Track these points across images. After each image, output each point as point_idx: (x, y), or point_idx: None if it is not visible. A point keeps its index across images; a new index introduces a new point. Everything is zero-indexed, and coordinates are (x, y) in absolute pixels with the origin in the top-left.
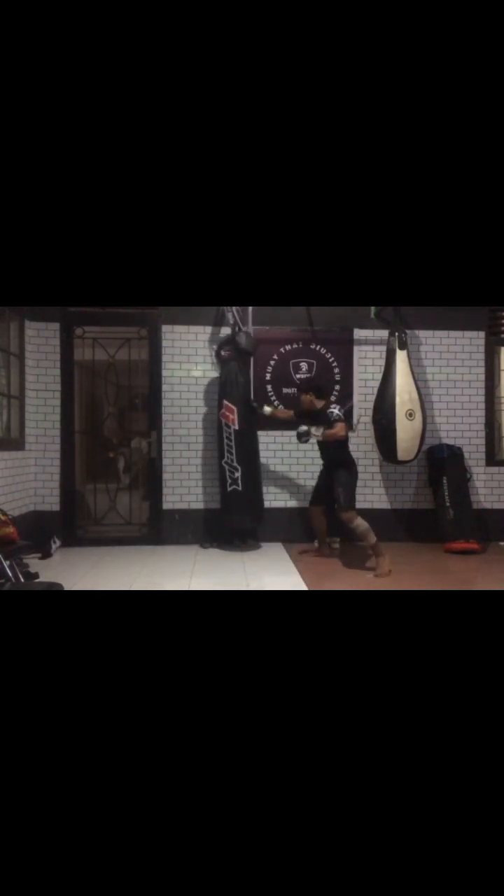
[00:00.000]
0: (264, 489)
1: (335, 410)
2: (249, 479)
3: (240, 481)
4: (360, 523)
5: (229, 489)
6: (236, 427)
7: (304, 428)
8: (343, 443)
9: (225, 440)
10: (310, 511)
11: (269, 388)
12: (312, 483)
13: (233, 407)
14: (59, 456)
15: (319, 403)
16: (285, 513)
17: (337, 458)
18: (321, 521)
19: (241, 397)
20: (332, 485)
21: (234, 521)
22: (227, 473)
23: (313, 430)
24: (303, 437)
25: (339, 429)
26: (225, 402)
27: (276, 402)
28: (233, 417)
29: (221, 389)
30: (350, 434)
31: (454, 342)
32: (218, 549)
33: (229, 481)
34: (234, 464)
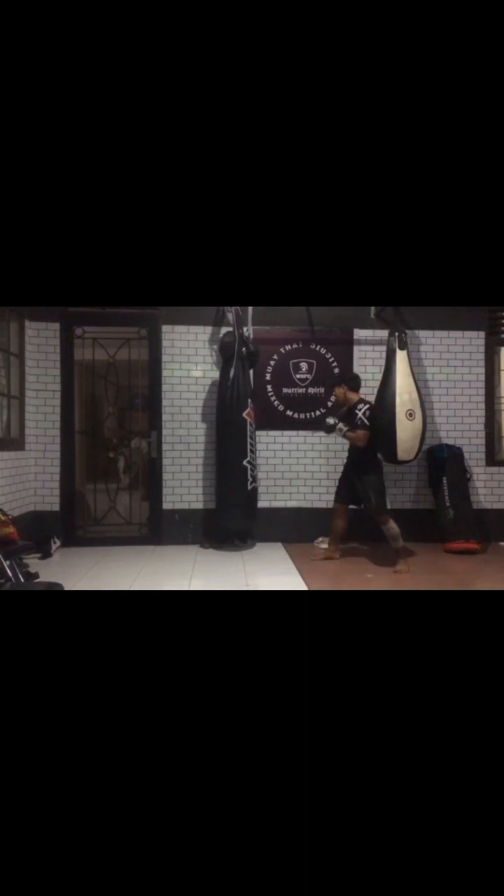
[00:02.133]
0: (264, 489)
1: (361, 415)
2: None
3: (258, 480)
4: (393, 526)
5: (250, 488)
6: (254, 427)
7: (331, 421)
8: (375, 443)
9: (248, 440)
10: (335, 508)
11: (269, 388)
12: (312, 483)
13: (256, 407)
14: (59, 456)
15: (354, 396)
16: (285, 513)
17: (366, 459)
18: (342, 521)
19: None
20: (362, 488)
21: (249, 521)
22: (249, 472)
23: (341, 424)
24: (330, 430)
25: (360, 435)
26: (251, 401)
27: (276, 403)
28: (253, 416)
29: (244, 388)
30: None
31: (454, 342)
32: (218, 550)
33: (250, 480)
34: (256, 463)
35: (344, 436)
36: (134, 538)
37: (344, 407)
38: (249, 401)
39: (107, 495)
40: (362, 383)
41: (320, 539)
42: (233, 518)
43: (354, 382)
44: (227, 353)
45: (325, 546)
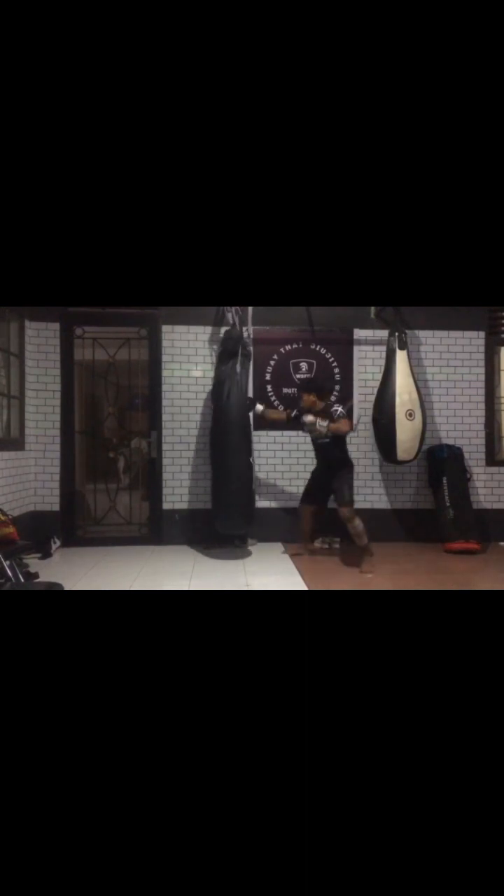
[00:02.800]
0: (264, 489)
1: (339, 408)
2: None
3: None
4: (359, 523)
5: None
6: (253, 428)
7: (310, 418)
8: (343, 441)
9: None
10: (301, 510)
11: (269, 388)
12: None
13: (260, 406)
14: (59, 456)
15: (320, 404)
16: (285, 513)
17: (337, 457)
18: (310, 521)
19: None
20: (332, 482)
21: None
22: (254, 471)
23: (319, 421)
24: (307, 427)
25: (343, 423)
26: (257, 402)
27: (275, 403)
28: (253, 417)
29: (245, 387)
30: (350, 434)
31: (454, 342)
32: (218, 550)
33: (244, 481)
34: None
35: (327, 429)
36: (134, 538)
37: (312, 411)
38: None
39: (107, 495)
40: (360, 384)
41: (320, 539)
42: (230, 521)
43: (322, 391)
44: (230, 349)
45: (325, 546)
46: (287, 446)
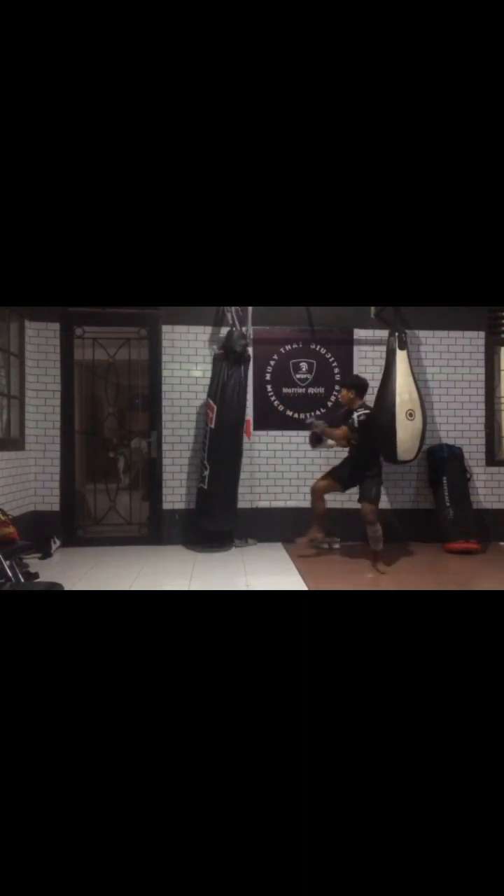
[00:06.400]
0: (264, 489)
1: (356, 417)
2: (218, 481)
3: (206, 480)
4: (379, 528)
5: (198, 487)
6: (212, 427)
7: (311, 419)
8: (376, 447)
9: (203, 438)
10: (316, 486)
11: (269, 388)
12: (312, 483)
13: (214, 406)
14: (59, 456)
15: (358, 401)
16: (285, 513)
17: (370, 459)
18: (323, 500)
19: (226, 397)
20: (367, 483)
21: (205, 522)
22: (200, 471)
23: (320, 421)
24: (311, 428)
25: (338, 432)
26: (209, 400)
27: (275, 403)
28: (211, 416)
29: (209, 388)
30: (335, 445)
31: (454, 342)
32: (218, 550)
33: (199, 479)
34: (205, 462)
35: (322, 431)
36: (134, 538)
37: (343, 409)
38: (209, 400)
39: (107, 495)
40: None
41: (320, 538)
42: (217, 519)
43: (361, 389)
44: (238, 350)
45: (325, 546)
46: (287, 446)
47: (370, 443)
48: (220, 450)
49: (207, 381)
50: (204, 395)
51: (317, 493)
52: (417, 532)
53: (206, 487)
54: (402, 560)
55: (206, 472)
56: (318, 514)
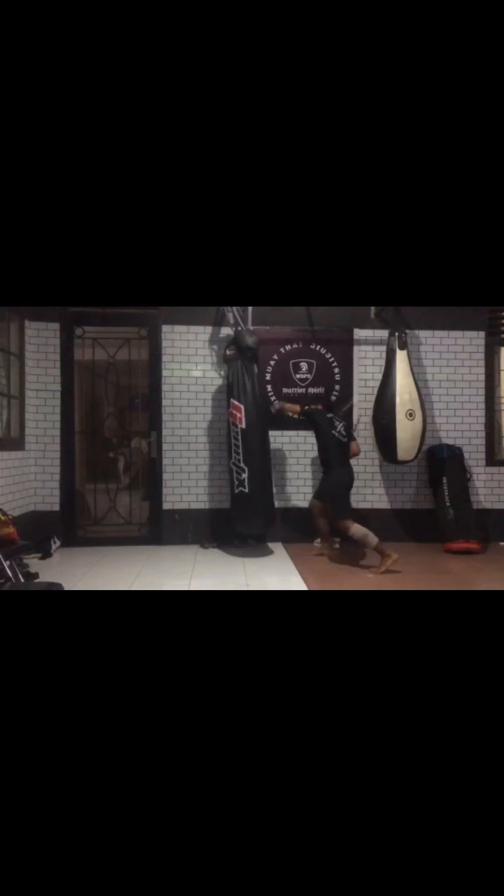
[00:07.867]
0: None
1: (307, 407)
2: (256, 481)
3: (246, 483)
4: (357, 530)
5: (236, 491)
6: (243, 426)
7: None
8: (331, 447)
9: (232, 440)
10: (312, 505)
11: (269, 387)
12: (313, 483)
13: (240, 406)
14: (59, 456)
15: (296, 407)
16: (285, 513)
17: (328, 464)
18: (319, 518)
19: (248, 396)
20: (326, 491)
21: (242, 525)
22: (235, 475)
23: (276, 403)
24: (274, 410)
25: (290, 406)
26: (232, 401)
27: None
28: (240, 416)
29: (229, 390)
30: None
31: (454, 342)
32: (218, 550)
33: (236, 483)
34: (242, 465)
35: (281, 406)
36: (134, 538)
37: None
38: (232, 400)
39: (107, 495)
40: (360, 384)
41: (318, 540)
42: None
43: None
44: (251, 351)
45: (327, 545)
46: (287, 446)
47: (318, 438)
48: (256, 450)
49: (207, 382)
50: (204, 395)
51: (314, 514)
52: (417, 532)
53: (246, 491)
54: (403, 560)
55: (245, 476)
56: (321, 531)
